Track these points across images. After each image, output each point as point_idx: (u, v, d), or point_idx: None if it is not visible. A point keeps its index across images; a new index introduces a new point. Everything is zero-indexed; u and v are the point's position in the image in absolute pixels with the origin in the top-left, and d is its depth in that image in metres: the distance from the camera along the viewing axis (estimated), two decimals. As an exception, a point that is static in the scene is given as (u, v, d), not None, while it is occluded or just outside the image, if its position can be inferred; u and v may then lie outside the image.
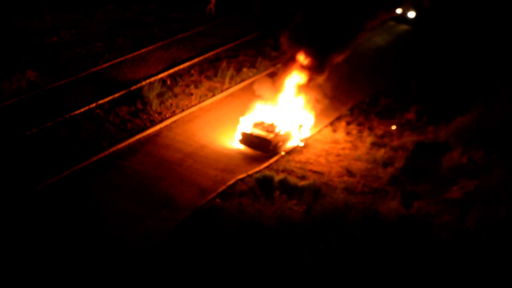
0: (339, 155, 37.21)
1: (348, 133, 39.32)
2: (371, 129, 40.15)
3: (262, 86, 38.80)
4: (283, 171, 34.95)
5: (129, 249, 28.22)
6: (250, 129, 36.90)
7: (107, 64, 43.76)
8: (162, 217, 30.51)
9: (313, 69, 37.83)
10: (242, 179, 33.74)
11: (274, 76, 40.28)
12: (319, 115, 39.61)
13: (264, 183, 33.31)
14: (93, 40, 47.37)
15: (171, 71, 44.16)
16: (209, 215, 30.56)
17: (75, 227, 28.96)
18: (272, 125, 36.95)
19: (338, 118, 41.01)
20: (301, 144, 37.78)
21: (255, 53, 49.37)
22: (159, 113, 38.97)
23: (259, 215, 30.66)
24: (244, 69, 46.08)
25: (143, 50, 46.63)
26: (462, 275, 28.95)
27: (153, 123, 38.03)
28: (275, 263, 28.13)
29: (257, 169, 34.84)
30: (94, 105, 38.20)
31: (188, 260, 27.98)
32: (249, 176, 33.99)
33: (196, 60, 46.54)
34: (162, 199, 31.74)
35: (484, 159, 37.06)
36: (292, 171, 35.09)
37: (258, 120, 37.31)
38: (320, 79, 38.46)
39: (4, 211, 29.33)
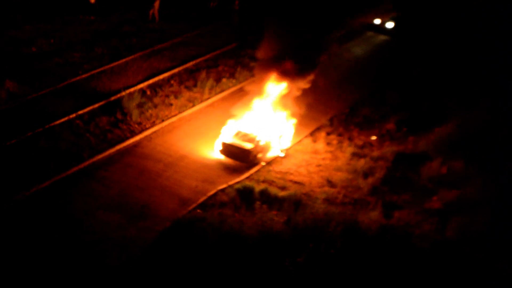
0: (319, 165, 37.23)
1: (328, 144, 39.32)
2: (351, 139, 40.23)
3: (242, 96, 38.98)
4: (264, 181, 34.94)
5: (109, 258, 28.10)
6: (230, 140, 36.82)
7: (87, 75, 43.49)
8: (142, 227, 30.41)
9: (291, 77, 38.02)
10: (222, 190, 33.68)
11: (253, 86, 40.11)
12: (299, 125, 39.50)
13: (244, 194, 33.29)
14: (72, 50, 47.08)
15: (150, 81, 44.01)
16: (189, 226, 30.52)
17: (54, 237, 28.79)
18: (252, 136, 36.91)
19: (318, 129, 41.01)
20: (282, 155, 37.78)
21: (234, 62, 49.32)
22: (139, 124, 38.81)
23: (240, 226, 30.62)
24: (224, 79, 46.02)
25: (122, 60, 46.42)
26: (442, 283, 29.11)
27: (133, 133, 37.87)
28: (256, 273, 28.09)
29: (237, 179, 34.79)
30: (74, 115, 37.96)
31: (168, 271, 27.86)
32: (230, 186, 33.93)
33: (175, 70, 46.42)
34: (142, 210, 31.61)
35: (463, 169, 37.24)
36: (273, 181, 35.07)
37: (238, 130, 37.24)
38: (300, 89, 38.52)
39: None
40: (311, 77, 38.30)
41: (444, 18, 58.10)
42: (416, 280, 29.08)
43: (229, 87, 45.23)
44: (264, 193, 33.36)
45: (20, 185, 31.68)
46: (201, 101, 42.82)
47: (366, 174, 36.57)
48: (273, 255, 29.08)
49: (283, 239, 30.24)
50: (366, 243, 30.80)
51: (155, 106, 41.09)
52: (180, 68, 46.92)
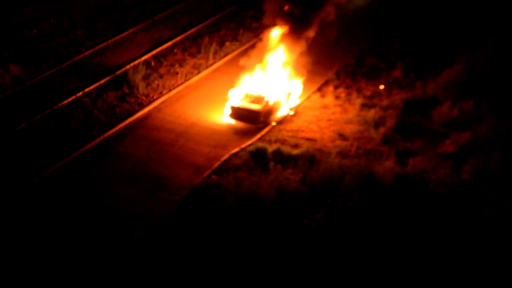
0: (330, 120, 37.25)
1: (336, 97, 39.26)
2: (359, 90, 40.14)
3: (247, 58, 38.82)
4: (276, 141, 35.03)
5: (130, 230, 28.34)
6: (238, 103, 36.80)
7: (90, 51, 43.34)
8: (160, 197, 30.62)
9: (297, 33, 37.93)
10: (235, 154, 33.84)
11: (257, 47, 39.86)
12: (307, 81, 39.48)
13: (258, 155, 33.44)
14: (73, 28, 46.79)
15: (154, 52, 43.84)
16: (206, 193, 30.66)
17: (76, 213, 29.02)
18: (260, 96, 36.84)
19: (326, 83, 40.93)
20: (291, 113, 37.76)
21: (236, 25, 49.01)
22: (147, 96, 38.87)
23: (256, 188, 30.77)
24: (227, 43, 45.84)
25: (124, 34, 46.18)
26: (463, 225, 29.19)
27: (142, 105, 37.95)
28: (276, 233, 28.21)
29: (249, 142, 34.92)
30: (80, 93, 37.95)
31: (189, 237, 28.02)
32: (242, 149, 34.09)
33: (178, 38, 46.19)
34: (158, 181, 31.83)
35: (474, 110, 37.29)
36: (285, 140, 35.17)
37: (246, 93, 37.18)
38: (304, 45, 38.35)
39: (3, 204, 29.46)
40: (314, 31, 38.21)
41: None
42: (437, 224, 29.18)
43: (233, 50, 45.02)
44: (277, 153, 33.51)
45: (35, 168, 31.86)
46: (206, 67, 42.78)
47: (377, 124, 36.60)
48: (292, 214, 29.20)
49: (300, 197, 30.35)
50: (383, 193, 30.85)
51: (161, 76, 41.19)
52: (183, 36, 46.67)
